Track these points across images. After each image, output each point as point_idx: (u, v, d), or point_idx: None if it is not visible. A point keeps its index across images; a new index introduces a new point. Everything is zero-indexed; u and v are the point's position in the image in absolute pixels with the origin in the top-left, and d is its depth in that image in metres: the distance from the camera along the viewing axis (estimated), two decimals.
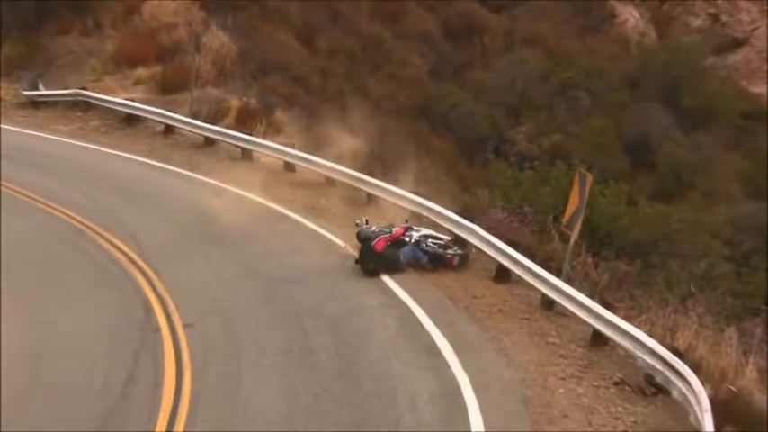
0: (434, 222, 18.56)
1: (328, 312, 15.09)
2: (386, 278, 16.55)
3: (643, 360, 13.45)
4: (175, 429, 11.60)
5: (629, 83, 38.52)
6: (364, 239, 16.80)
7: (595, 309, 14.40)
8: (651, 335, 13.90)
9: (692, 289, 16.41)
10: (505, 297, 16.19)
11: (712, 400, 12.02)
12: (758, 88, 40.96)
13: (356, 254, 17.17)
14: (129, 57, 29.88)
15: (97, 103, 27.38)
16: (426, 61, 36.63)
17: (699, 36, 42.46)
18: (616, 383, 13.49)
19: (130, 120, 26.54)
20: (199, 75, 27.43)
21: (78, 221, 18.53)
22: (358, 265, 16.76)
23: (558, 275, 15.68)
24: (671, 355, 13.05)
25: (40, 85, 28.59)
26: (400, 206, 19.53)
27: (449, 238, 17.86)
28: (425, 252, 17.14)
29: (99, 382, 12.50)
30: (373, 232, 16.96)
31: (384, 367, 13.33)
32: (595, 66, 37.88)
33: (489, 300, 16.02)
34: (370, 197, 20.46)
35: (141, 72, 29.39)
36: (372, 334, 14.39)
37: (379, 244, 16.75)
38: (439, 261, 17.20)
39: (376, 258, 16.64)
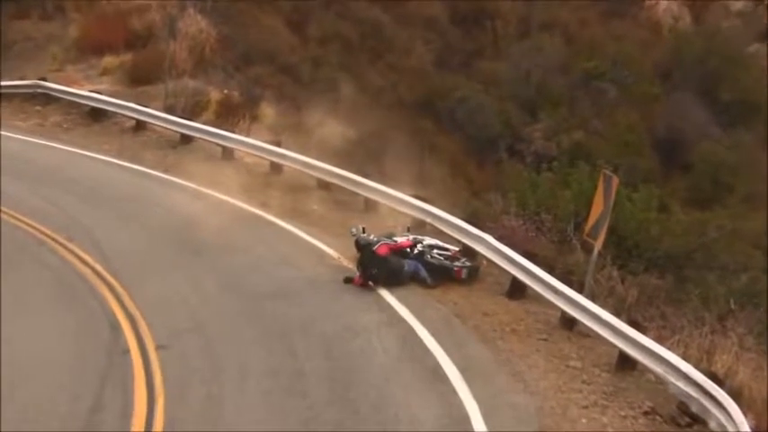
0: (440, 231, 18.59)
1: (320, 331, 15.11)
2: (384, 293, 16.57)
3: (676, 386, 13.46)
4: None
5: (660, 73, 38.60)
6: (364, 246, 16.83)
7: (622, 328, 14.42)
8: (685, 358, 13.93)
9: (732, 306, 16.44)
10: (520, 315, 16.22)
11: None
12: None
13: (351, 266, 17.21)
14: (94, 43, 29.95)
15: (59, 95, 27.45)
16: (431, 50, 36.70)
17: (739, 20, 42.55)
18: (646, 413, 13.50)
19: (96, 115, 26.59)
20: (174, 64, 27.48)
21: (38, 230, 18.54)
22: (349, 284, 16.81)
23: (579, 291, 15.71)
24: (708, 380, 13.06)
25: None
26: (401, 212, 19.56)
27: (456, 249, 17.90)
28: (428, 265, 17.16)
29: (61, 410, 12.49)
30: (373, 239, 17.02)
31: (383, 393, 13.34)
32: (623, 54, 37.94)
33: (502, 318, 16.04)
34: (368, 202, 20.51)
35: (108, 61, 29.46)
36: (370, 356, 14.40)
37: (381, 248, 16.82)
38: (445, 274, 17.22)
39: (379, 263, 16.68)
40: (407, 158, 23.10)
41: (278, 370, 13.84)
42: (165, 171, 22.98)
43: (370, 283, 16.71)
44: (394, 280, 16.79)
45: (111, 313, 15.31)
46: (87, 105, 26.81)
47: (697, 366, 13.63)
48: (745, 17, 43.08)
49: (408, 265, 17.00)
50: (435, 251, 17.56)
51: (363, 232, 17.49)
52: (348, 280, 16.87)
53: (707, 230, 20.75)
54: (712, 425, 12.91)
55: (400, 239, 17.49)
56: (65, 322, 15.05)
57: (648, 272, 17.97)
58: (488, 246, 17.40)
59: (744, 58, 39.46)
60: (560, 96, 36.17)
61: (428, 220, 18.97)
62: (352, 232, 17.65)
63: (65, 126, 26.45)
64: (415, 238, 17.71)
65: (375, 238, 17.14)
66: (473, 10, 38.69)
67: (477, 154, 33.23)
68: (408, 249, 17.26)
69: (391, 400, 13.17)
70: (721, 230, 21.19)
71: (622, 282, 17.06)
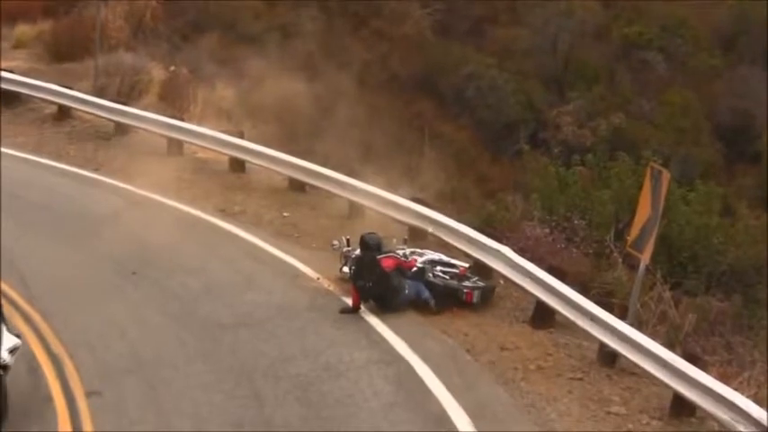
0: (444, 242, 18.59)
1: (294, 371, 15.10)
2: (375, 322, 16.56)
3: None
4: None
5: (721, 42, 38.72)
6: (374, 247, 16.75)
7: (677, 364, 14.43)
8: (757, 401, 13.92)
9: None
10: (547, 348, 16.23)
11: None
12: None
13: (333, 288, 17.21)
14: (5, 9, 29.91)
15: None
16: (431, 14, 36.78)
17: None
18: None
19: (9, 99, 26.54)
20: (106, 34, 27.49)
21: None
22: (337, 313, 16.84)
23: (622, 317, 15.71)
24: None
25: None
26: (396, 219, 19.55)
27: (465, 266, 17.91)
28: (430, 285, 17.14)
29: None
30: (384, 245, 16.98)
31: None
32: (674, 18, 38.05)
33: (524, 352, 16.06)
34: (353, 206, 20.51)
35: (23, 31, 29.47)
36: (357, 401, 14.40)
37: (388, 261, 16.80)
38: (451, 298, 17.22)
39: (377, 276, 16.64)
40: (403, 151, 23.14)
41: (241, 421, 13.83)
42: (96, 170, 22.97)
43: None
44: (389, 303, 16.77)
45: (28, 352, 15.26)
46: None
47: None
48: None
49: (409, 287, 16.95)
50: (439, 268, 17.54)
51: (348, 245, 17.50)
52: (345, 310, 16.81)
53: None
54: None
55: (410, 258, 17.47)
56: None
57: (709, 292, 17.98)
58: (506, 261, 17.40)
59: None
60: (595, 71, 36.27)
61: (430, 228, 18.97)
62: (333, 245, 17.62)
63: None
64: (413, 252, 17.71)
65: (386, 247, 17.12)
66: None
67: (490, 144, 33.33)
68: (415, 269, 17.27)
69: None
70: None
71: (676, 305, 17.07)
